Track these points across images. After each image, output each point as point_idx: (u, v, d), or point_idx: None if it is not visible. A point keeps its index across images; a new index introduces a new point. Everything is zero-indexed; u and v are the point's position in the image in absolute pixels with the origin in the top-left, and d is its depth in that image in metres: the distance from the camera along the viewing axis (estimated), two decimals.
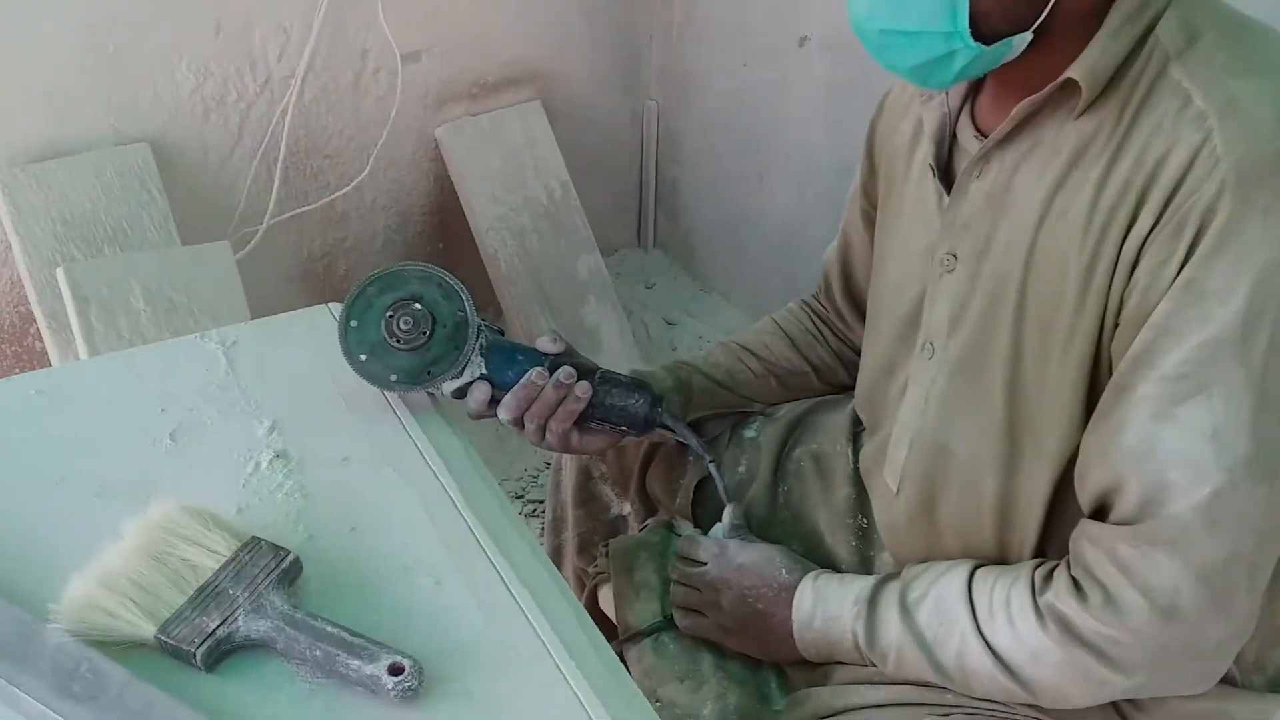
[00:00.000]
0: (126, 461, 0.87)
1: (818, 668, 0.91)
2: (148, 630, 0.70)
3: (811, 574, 0.91)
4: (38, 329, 1.66)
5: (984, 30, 0.72)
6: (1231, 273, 0.67)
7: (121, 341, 1.50)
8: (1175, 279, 0.68)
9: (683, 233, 2.52)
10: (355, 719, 0.68)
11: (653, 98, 2.42)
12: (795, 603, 0.89)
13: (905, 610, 0.83)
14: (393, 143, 1.97)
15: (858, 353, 1.02)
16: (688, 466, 1.08)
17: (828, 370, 1.11)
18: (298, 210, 1.92)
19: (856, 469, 1.01)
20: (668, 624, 0.98)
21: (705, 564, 0.94)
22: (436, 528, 0.81)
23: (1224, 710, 0.82)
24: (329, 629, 0.70)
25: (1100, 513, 0.75)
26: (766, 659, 0.95)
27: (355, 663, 0.68)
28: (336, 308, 1.05)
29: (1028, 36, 0.73)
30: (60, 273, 1.48)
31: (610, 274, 2.22)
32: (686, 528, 1.05)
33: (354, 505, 0.83)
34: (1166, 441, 0.70)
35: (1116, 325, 0.73)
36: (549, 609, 0.75)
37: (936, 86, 0.79)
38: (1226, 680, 0.82)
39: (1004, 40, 0.72)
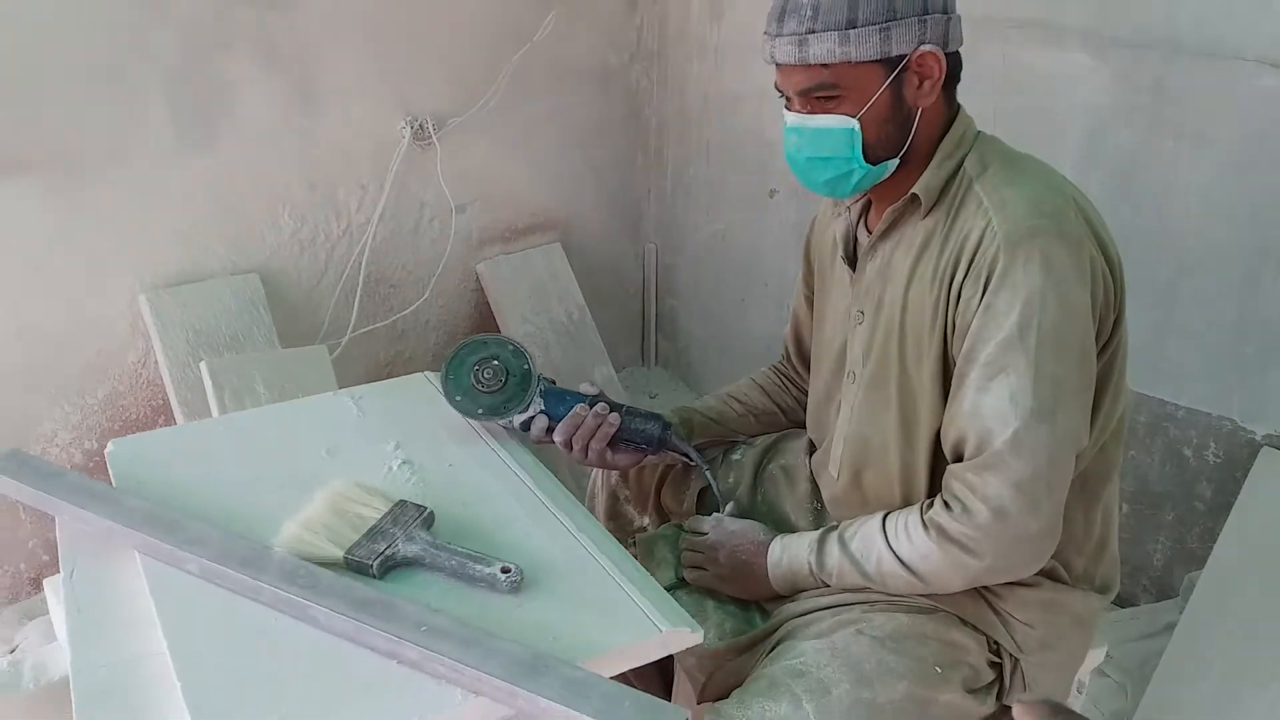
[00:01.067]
0: (301, 466, 1.20)
1: (787, 599, 1.24)
2: (338, 553, 1.03)
3: (780, 535, 1.25)
4: (164, 420, 2.01)
5: (870, 157, 1.12)
6: (1009, 298, 1.05)
7: None
8: (979, 305, 1.07)
9: (680, 350, 2.85)
10: (479, 603, 0.99)
11: (652, 241, 2.80)
12: (769, 552, 1.23)
13: (843, 543, 1.17)
14: (444, 275, 2.37)
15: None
16: (691, 482, 1.44)
17: (791, 410, 1.48)
18: (369, 327, 2.29)
19: (812, 473, 1.37)
20: (681, 584, 1.30)
21: (706, 533, 1.29)
22: (519, 502, 1.15)
23: (1059, 600, 1.16)
24: (459, 549, 1.03)
25: (958, 459, 1.11)
26: (751, 598, 1.27)
27: (478, 567, 1.01)
28: (432, 375, 1.42)
29: (896, 161, 1.14)
30: (203, 366, 1.85)
31: (620, 386, 2.55)
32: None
33: (462, 491, 1.17)
34: (985, 405, 1.06)
35: (952, 336, 1.11)
36: (599, 541, 1.08)
37: (841, 196, 1.19)
38: (1061, 581, 1.17)
39: (882, 163, 1.14)
